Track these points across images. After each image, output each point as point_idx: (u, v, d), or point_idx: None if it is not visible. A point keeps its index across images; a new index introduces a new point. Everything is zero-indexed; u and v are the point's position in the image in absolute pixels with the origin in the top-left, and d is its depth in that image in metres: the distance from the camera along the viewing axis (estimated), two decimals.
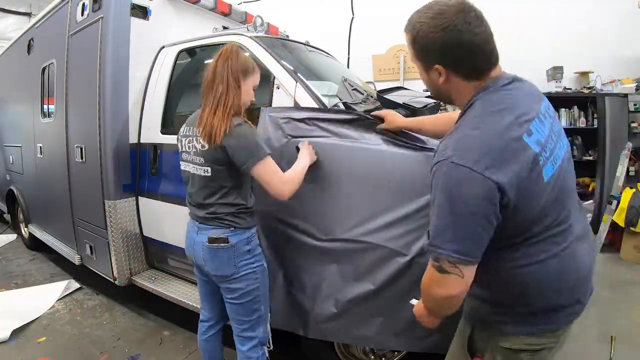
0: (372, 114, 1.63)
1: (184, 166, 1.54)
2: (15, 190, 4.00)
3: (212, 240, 1.45)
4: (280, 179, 1.41)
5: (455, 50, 0.83)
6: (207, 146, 1.39)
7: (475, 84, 0.88)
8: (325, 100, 1.81)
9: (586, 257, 0.93)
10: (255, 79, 1.51)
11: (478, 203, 0.77)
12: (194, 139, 1.45)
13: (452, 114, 1.36)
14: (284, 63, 1.91)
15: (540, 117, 0.86)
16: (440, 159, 0.81)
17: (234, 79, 1.40)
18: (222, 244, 1.45)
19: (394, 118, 1.56)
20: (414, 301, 1.08)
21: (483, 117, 0.84)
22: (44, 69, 3.10)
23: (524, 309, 0.91)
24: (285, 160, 1.65)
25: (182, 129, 1.56)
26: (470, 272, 0.83)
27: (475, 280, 0.86)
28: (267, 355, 1.61)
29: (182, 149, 1.54)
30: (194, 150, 1.45)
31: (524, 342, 0.92)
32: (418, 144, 1.54)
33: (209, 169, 1.42)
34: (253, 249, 1.51)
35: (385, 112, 1.59)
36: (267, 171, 1.38)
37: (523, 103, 0.87)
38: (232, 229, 1.45)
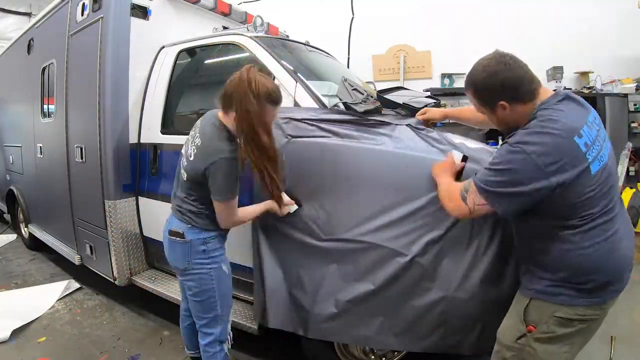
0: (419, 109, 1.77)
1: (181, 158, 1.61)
2: (15, 190, 4.00)
3: (171, 232, 1.56)
4: (229, 219, 1.52)
5: (509, 83, 1.10)
6: (193, 158, 1.47)
7: (531, 106, 1.12)
8: (325, 100, 1.81)
9: (628, 243, 1.14)
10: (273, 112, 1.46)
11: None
12: (193, 141, 1.50)
13: None
14: (284, 63, 1.91)
15: (588, 124, 1.08)
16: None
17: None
18: (178, 238, 1.54)
19: (435, 109, 1.77)
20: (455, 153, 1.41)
21: (544, 123, 1.06)
22: (44, 69, 3.10)
23: (578, 285, 1.09)
24: (285, 160, 1.65)
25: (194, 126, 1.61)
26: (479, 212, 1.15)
27: (539, 261, 1.14)
28: (227, 352, 1.68)
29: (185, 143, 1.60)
30: (188, 150, 1.52)
31: (576, 313, 1.11)
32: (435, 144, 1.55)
33: (186, 175, 1.52)
34: (210, 250, 1.55)
35: (426, 108, 1.78)
36: (223, 210, 1.49)
37: (574, 114, 1.09)
38: (190, 225, 1.53)
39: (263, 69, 1.89)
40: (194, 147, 1.48)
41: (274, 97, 1.40)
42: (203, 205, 1.52)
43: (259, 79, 1.37)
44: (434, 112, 1.75)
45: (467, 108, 1.71)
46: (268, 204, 1.59)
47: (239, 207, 1.53)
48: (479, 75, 1.14)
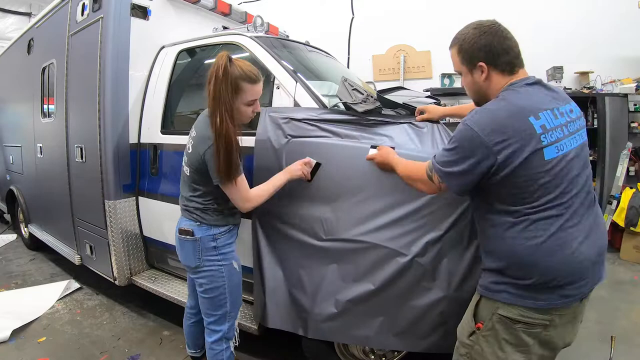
0: (418, 107, 1.78)
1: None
2: (15, 190, 4.00)
3: (181, 231, 1.58)
4: (243, 197, 1.50)
5: (494, 48, 1.10)
6: (191, 150, 1.51)
7: (504, 81, 1.11)
8: (325, 100, 1.80)
9: (586, 248, 1.05)
10: (246, 96, 1.49)
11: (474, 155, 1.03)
12: (190, 137, 1.56)
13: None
14: (284, 63, 1.90)
15: (555, 112, 1.06)
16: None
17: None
18: (187, 236, 1.55)
19: (434, 108, 1.77)
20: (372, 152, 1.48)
21: (502, 100, 1.06)
22: (44, 69, 3.10)
23: (517, 281, 1.05)
24: (286, 160, 1.65)
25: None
26: (445, 188, 1.16)
27: (486, 251, 1.13)
28: (233, 350, 1.70)
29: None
30: (187, 147, 1.57)
31: (519, 313, 1.06)
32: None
33: (188, 169, 1.54)
34: (220, 246, 1.57)
35: (426, 106, 1.79)
36: (235, 192, 1.48)
37: (539, 98, 1.08)
38: (199, 223, 1.55)
39: (262, 69, 1.89)
40: (191, 140, 1.54)
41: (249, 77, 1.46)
42: (209, 200, 1.54)
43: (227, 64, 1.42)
44: (433, 112, 1.76)
45: (465, 105, 1.71)
46: (288, 171, 1.57)
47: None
48: (468, 32, 1.13)
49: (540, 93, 1.10)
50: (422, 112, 1.78)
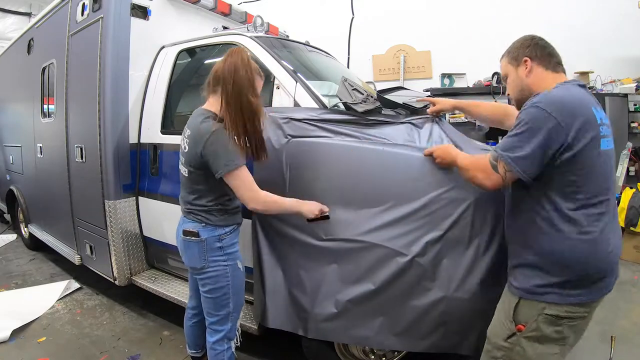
0: (422, 99, 1.78)
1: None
2: (15, 190, 4.00)
3: (185, 232, 1.56)
4: (251, 193, 1.45)
5: (541, 47, 1.22)
6: (188, 148, 1.49)
7: (553, 76, 1.19)
8: (325, 100, 1.81)
9: (618, 245, 1.15)
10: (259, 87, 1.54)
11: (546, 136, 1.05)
12: (184, 137, 1.53)
13: (508, 106, 1.58)
14: (284, 63, 1.90)
15: (601, 113, 1.14)
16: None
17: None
18: (193, 237, 1.54)
19: (445, 100, 1.76)
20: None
21: (564, 89, 1.12)
22: (44, 69, 3.10)
23: (568, 279, 1.10)
24: (286, 160, 1.65)
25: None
26: (510, 179, 1.13)
27: (528, 246, 1.15)
28: (234, 350, 1.69)
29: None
30: (182, 146, 1.55)
31: (565, 310, 1.11)
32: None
33: (187, 170, 1.52)
34: (225, 247, 1.56)
35: (437, 98, 1.79)
36: (240, 184, 1.45)
37: (590, 97, 1.15)
38: (204, 224, 1.54)
39: (262, 69, 1.89)
40: (186, 139, 1.52)
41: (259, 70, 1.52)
42: (213, 199, 1.53)
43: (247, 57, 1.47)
44: (444, 103, 1.74)
45: (477, 102, 1.73)
46: (303, 206, 1.52)
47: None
48: (518, 39, 1.27)
49: (589, 95, 1.16)
50: (433, 104, 1.76)
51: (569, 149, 1.04)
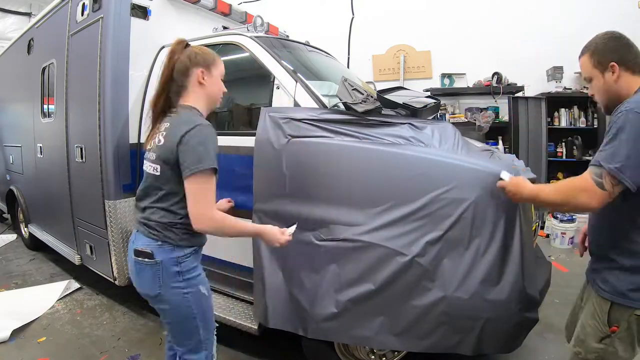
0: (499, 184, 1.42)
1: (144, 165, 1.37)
2: (15, 190, 4.00)
3: (137, 252, 1.29)
4: (205, 208, 1.22)
5: (627, 49, 1.17)
6: (163, 141, 1.26)
7: (636, 81, 1.16)
8: (325, 100, 1.81)
9: None
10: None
11: None
12: (159, 134, 1.30)
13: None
14: (284, 63, 1.90)
15: None
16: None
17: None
18: (145, 259, 1.27)
19: (518, 185, 1.37)
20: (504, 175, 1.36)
21: None
22: (44, 69, 3.10)
23: None
24: (285, 160, 1.65)
25: None
26: (617, 191, 1.08)
27: (626, 255, 1.13)
28: None
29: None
30: (154, 142, 1.31)
31: None
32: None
33: (157, 166, 1.27)
34: (184, 271, 1.28)
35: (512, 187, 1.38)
36: (198, 190, 1.21)
37: None
38: (160, 243, 1.26)
39: (262, 69, 1.89)
40: (162, 133, 1.28)
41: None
42: (175, 211, 1.27)
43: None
44: (518, 192, 1.35)
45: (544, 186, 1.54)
46: (266, 228, 1.37)
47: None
48: (600, 38, 1.20)
49: None
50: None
51: None
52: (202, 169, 1.19)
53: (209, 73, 1.35)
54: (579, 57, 1.24)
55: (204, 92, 1.34)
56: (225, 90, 1.42)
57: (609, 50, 1.17)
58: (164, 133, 1.27)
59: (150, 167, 1.31)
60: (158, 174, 1.27)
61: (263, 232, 1.36)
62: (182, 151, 1.20)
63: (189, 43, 1.38)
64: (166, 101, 1.34)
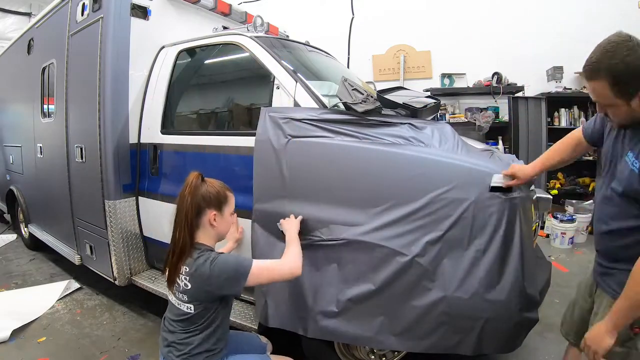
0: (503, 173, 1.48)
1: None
2: (15, 190, 4.00)
3: None
4: (279, 267, 1.39)
5: None
6: (190, 286, 1.31)
7: None
8: (325, 100, 1.80)
9: None
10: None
11: None
12: (185, 276, 1.34)
13: (575, 134, 1.50)
14: (284, 63, 1.90)
15: None
16: None
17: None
18: None
19: (524, 173, 1.47)
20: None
21: None
22: (44, 69, 3.10)
23: None
24: (286, 160, 1.65)
25: None
26: None
27: None
28: None
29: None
30: (180, 286, 1.34)
31: None
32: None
33: (191, 306, 1.33)
34: None
35: (513, 170, 1.47)
36: (262, 271, 1.35)
37: None
38: None
39: (262, 69, 1.89)
40: (185, 277, 1.32)
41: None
42: (211, 329, 1.34)
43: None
44: (524, 172, 1.46)
45: (550, 153, 1.57)
46: (292, 236, 1.54)
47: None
48: (620, 59, 0.99)
49: None
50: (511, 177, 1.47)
51: None
52: (247, 272, 1.30)
53: (221, 214, 1.41)
54: (588, 79, 1.09)
55: (215, 232, 1.42)
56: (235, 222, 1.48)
57: (633, 76, 0.98)
58: (187, 278, 1.31)
59: (182, 306, 1.35)
60: (192, 311, 1.33)
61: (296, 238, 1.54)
62: (216, 279, 1.29)
63: (204, 177, 1.42)
64: (185, 239, 1.34)
